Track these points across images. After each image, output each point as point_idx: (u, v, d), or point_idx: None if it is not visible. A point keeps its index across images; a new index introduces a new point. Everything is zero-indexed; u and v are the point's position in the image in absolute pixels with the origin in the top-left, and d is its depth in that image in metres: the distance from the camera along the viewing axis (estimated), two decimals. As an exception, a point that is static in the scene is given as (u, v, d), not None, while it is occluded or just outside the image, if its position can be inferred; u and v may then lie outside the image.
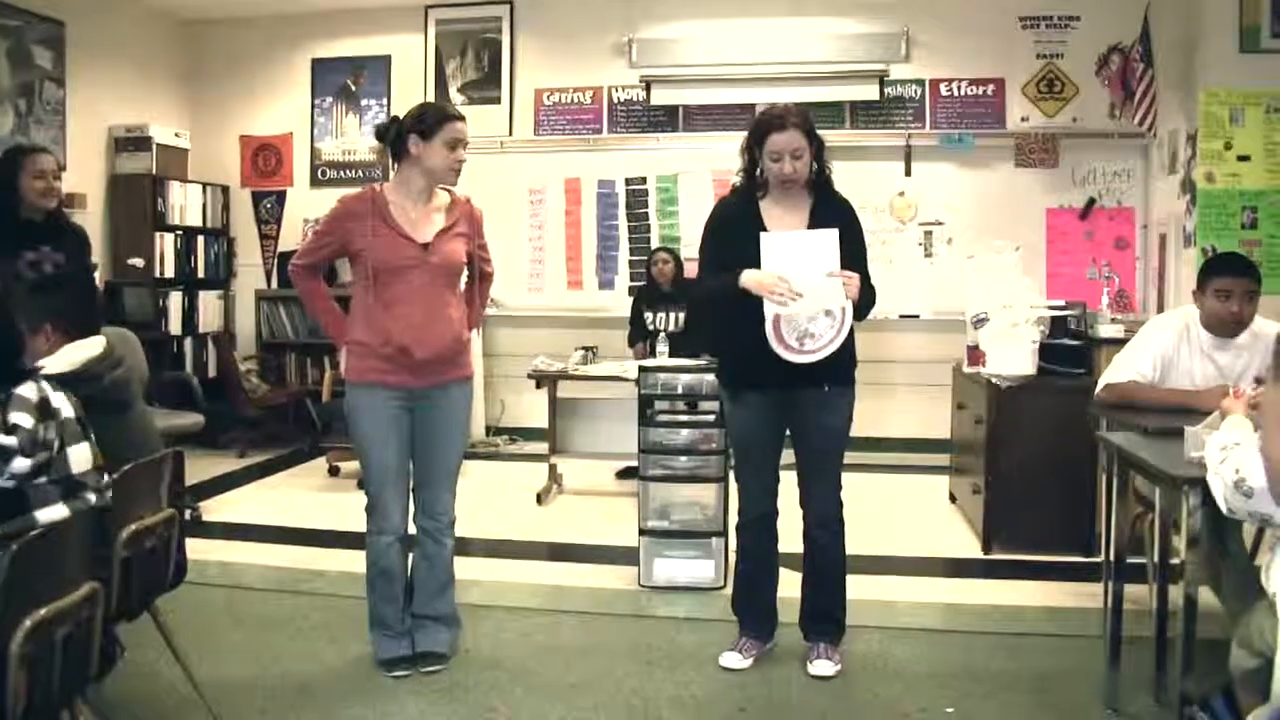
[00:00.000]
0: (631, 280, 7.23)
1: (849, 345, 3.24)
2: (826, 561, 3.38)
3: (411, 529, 3.37)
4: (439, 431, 3.32)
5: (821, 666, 3.29)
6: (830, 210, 3.28)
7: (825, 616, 3.40)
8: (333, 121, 7.79)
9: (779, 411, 3.30)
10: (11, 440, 2.24)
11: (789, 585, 3.48)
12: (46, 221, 4.19)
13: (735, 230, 3.27)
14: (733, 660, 3.37)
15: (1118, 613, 3.06)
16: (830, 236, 3.15)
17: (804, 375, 3.20)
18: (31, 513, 2.28)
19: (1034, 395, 4.61)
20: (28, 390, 2.34)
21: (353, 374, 3.26)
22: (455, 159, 3.24)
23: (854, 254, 3.22)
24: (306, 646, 3.55)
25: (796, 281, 3.10)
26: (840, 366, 3.25)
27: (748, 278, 3.15)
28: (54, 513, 2.31)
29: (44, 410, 2.34)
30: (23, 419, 2.28)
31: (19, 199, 4.11)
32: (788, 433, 3.37)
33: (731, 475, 3.60)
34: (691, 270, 6.76)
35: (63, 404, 2.43)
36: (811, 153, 3.21)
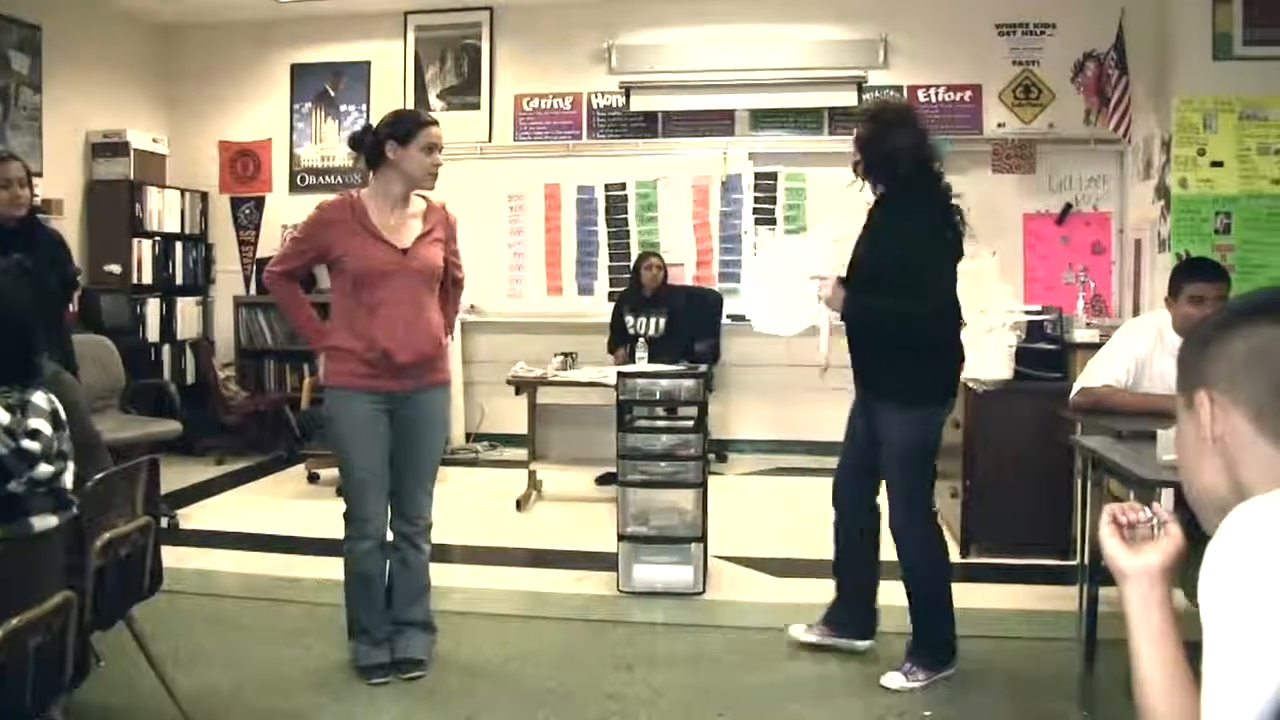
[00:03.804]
0: (611, 286, 7.24)
1: (899, 365, 3.26)
2: (901, 573, 3.34)
3: (388, 535, 3.37)
4: (418, 436, 3.32)
5: (890, 678, 3.25)
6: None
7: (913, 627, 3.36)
8: (312, 127, 7.77)
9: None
10: (36, 445, 2.22)
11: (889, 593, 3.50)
12: (19, 227, 4.13)
13: None
14: (798, 631, 3.51)
15: (1093, 615, 3.08)
16: (822, 243, 3.21)
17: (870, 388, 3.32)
18: (28, 519, 2.25)
19: (1010, 399, 4.62)
20: (40, 399, 2.32)
21: (333, 379, 3.25)
22: (432, 163, 3.25)
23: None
24: (285, 654, 3.54)
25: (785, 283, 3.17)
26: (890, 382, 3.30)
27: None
28: (46, 522, 2.29)
29: (56, 420, 2.33)
30: (42, 425, 2.26)
31: None
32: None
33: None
34: (677, 275, 6.79)
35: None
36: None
